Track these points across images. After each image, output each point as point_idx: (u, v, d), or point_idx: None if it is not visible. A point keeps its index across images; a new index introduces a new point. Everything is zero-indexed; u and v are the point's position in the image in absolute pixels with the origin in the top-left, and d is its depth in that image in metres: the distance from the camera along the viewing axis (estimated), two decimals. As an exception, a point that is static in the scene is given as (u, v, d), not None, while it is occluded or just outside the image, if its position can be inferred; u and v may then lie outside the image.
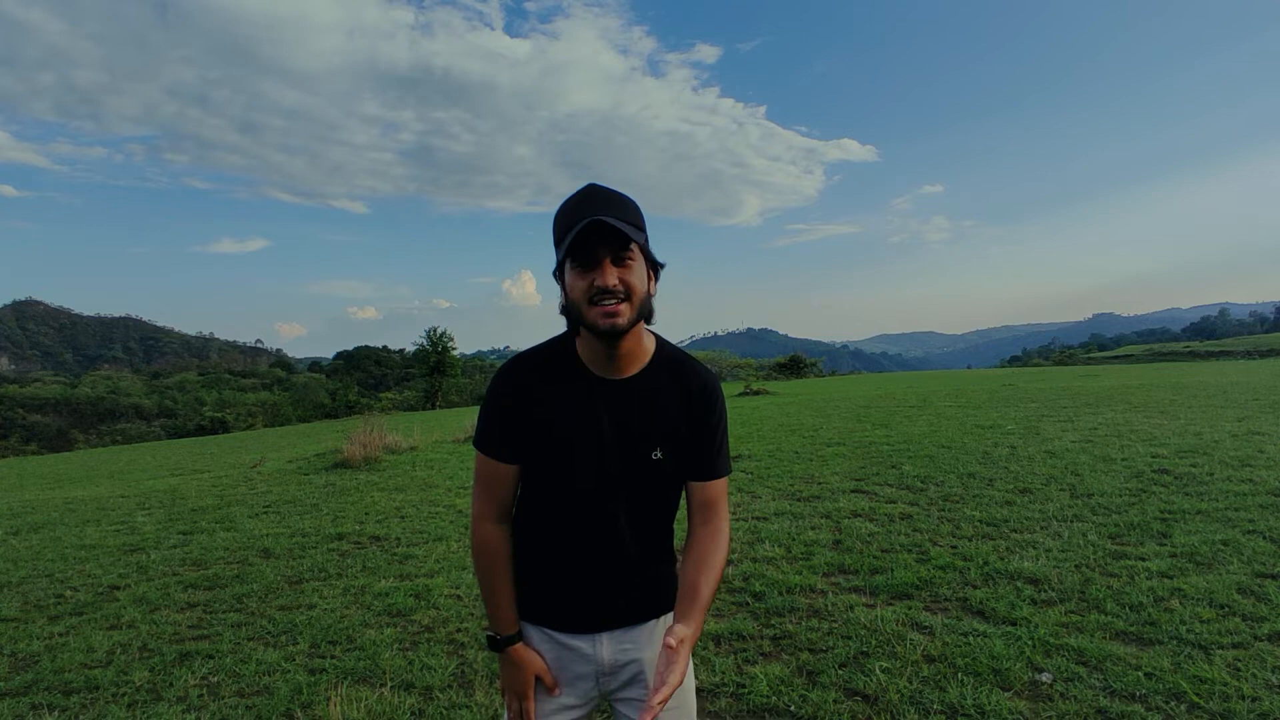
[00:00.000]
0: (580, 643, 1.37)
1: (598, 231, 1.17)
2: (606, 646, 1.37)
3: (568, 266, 1.22)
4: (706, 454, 1.36)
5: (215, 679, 3.13)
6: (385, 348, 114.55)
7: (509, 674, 1.37)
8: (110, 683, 3.14)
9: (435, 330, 41.49)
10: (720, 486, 1.38)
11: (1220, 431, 7.73)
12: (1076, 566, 3.79)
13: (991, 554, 4.08)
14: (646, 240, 1.26)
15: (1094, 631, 3.01)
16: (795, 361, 42.64)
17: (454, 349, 42.67)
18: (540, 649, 1.38)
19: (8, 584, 4.85)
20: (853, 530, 4.77)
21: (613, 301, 1.19)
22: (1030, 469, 6.35)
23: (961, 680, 2.68)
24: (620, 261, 1.20)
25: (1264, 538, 4.05)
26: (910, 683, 2.70)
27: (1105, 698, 2.51)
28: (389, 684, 2.96)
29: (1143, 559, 3.85)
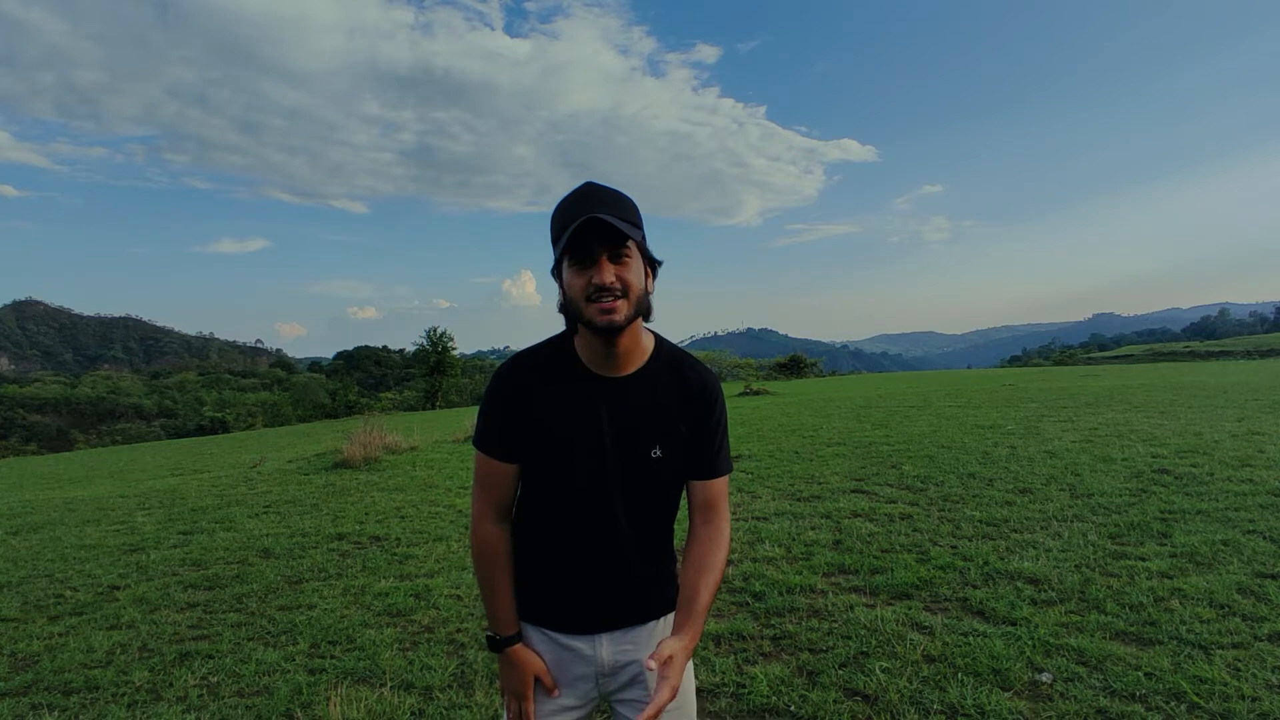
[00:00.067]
0: (580, 644, 1.37)
1: (595, 229, 1.17)
2: (606, 647, 1.37)
3: (565, 264, 1.23)
4: (707, 452, 1.36)
5: (215, 679, 3.13)
6: (385, 348, 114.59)
7: (508, 674, 1.37)
8: (110, 683, 3.14)
9: (435, 330, 41.54)
10: (721, 486, 1.38)
11: (1220, 431, 7.73)
12: (1076, 566, 3.79)
13: (991, 554, 4.08)
14: (644, 237, 1.27)
15: (1094, 631, 3.01)
16: (795, 361, 42.64)
17: (454, 349, 42.69)
18: (540, 650, 1.38)
19: (8, 584, 4.85)
20: (853, 530, 4.77)
21: (610, 298, 1.19)
22: (1030, 469, 6.35)
23: (961, 680, 2.68)
24: (617, 258, 1.20)
25: (1264, 538, 4.05)
26: (910, 683, 2.70)
27: (1105, 698, 2.51)
28: (389, 684, 2.96)
29: (1143, 559, 3.85)
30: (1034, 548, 4.15)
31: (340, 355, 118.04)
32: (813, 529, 4.89)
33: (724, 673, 2.88)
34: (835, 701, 2.62)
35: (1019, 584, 3.60)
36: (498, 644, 1.36)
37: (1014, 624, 3.13)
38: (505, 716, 1.39)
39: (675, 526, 1.47)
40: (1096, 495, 5.26)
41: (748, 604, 3.62)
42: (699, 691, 2.71)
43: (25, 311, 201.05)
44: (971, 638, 3.02)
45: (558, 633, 1.38)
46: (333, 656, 3.29)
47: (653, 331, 1.38)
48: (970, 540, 4.39)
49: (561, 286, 1.26)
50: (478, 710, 2.72)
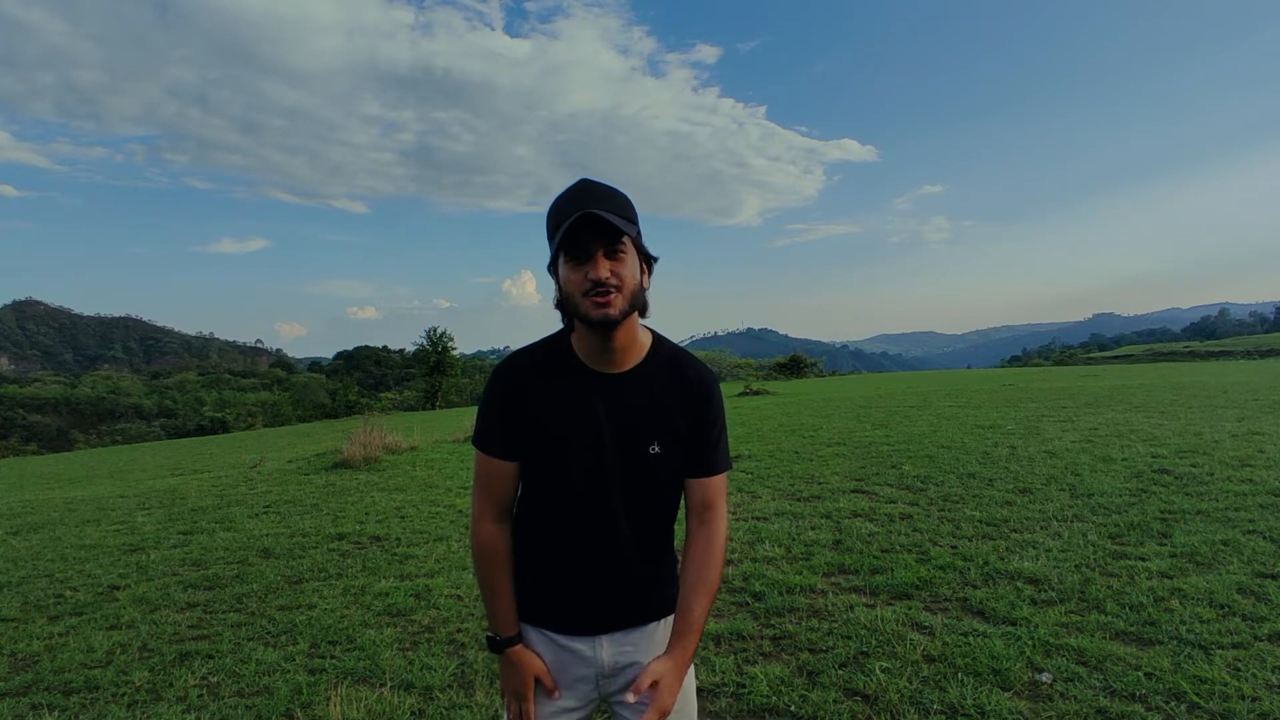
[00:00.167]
0: (580, 645, 1.37)
1: (590, 224, 1.18)
2: (606, 649, 1.37)
3: (561, 260, 1.23)
4: (705, 449, 1.36)
5: (215, 679, 3.13)
6: (385, 348, 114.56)
7: (508, 675, 1.37)
8: (110, 683, 3.14)
9: (435, 330, 41.55)
10: (718, 484, 1.38)
11: (1220, 431, 7.73)
12: (1076, 566, 3.79)
13: (991, 554, 4.08)
14: (639, 233, 1.27)
15: (1094, 631, 3.01)
16: (795, 361, 42.64)
17: (454, 349, 42.69)
18: (540, 651, 1.38)
19: (8, 584, 4.85)
20: (853, 530, 4.77)
21: (605, 293, 1.20)
22: (1030, 469, 6.35)
23: (961, 680, 2.68)
24: (612, 254, 1.21)
25: (1264, 538, 4.05)
26: (910, 683, 2.70)
27: (1105, 698, 2.51)
28: (389, 684, 2.96)
29: (1143, 559, 3.85)
30: (1034, 548, 4.15)
31: (340, 355, 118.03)
32: (813, 529, 4.89)
33: (724, 673, 2.88)
34: (835, 701, 2.62)
35: (1019, 584, 3.60)
36: (498, 645, 1.36)
37: (1014, 624, 3.13)
38: (505, 717, 1.39)
39: (675, 527, 1.47)
40: (1096, 495, 5.26)
41: (748, 604, 3.62)
42: (699, 691, 2.71)
43: (25, 311, 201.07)
44: (971, 638, 3.02)
45: (558, 634, 1.37)
46: (333, 656, 3.29)
47: (650, 329, 1.38)
48: (970, 540, 4.39)
49: (558, 282, 1.27)
50: (478, 710, 2.72)
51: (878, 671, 2.79)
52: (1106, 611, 3.20)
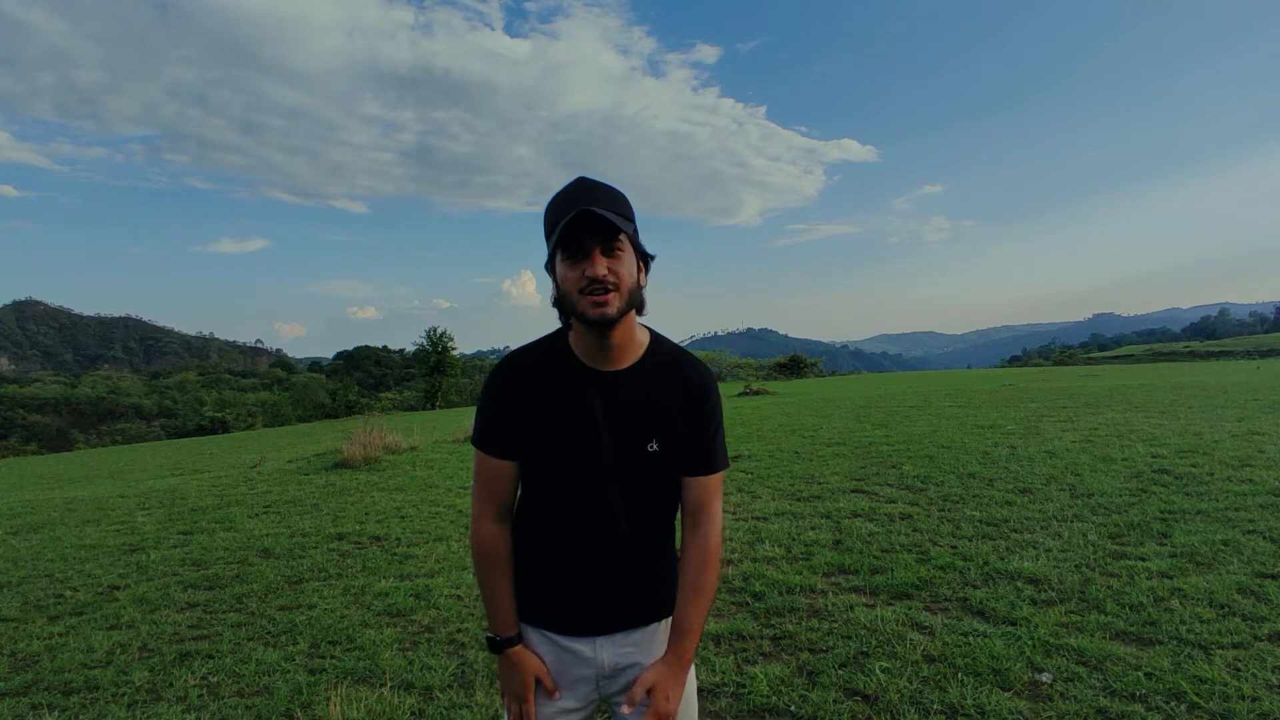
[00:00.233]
0: (580, 645, 1.37)
1: (587, 222, 1.18)
2: (606, 650, 1.37)
3: (558, 258, 1.24)
4: (702, 446, 1.36)
5: (215, 679, 3.12)
6: (385, 348, 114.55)
7: (508, 676, 1.37)
8: (110, 683, 3.14)
9: (435, 330, 41.55)
10: (714, 483, 1.38)
11: (1220, 431, 7.73)
12: (1076, 566, 3.79)
13: (991, 554, 4.08)
14: (636, 231, 1.27)
15: (1094, 631, 3.01)
16: (795, 361, 42.64)
17: (454, 349, 42.69)
18: (540, 651, 1.38)
19: (8, 584, 4.85)
20: (853, 530, 4.77)
21: (603, 291, 1.20)
22: (1030, 469, 6.35)
23: (961, 680, 2.68)
24: (610, 252, 1.21)
25: (1264, 538, 4.05)
26: (910, 683, 2.70)
27: (1105, 698, 2.51)
28: (389, 684, 2.96)
29: (1143, 559, 3.85)
30: (1034, 548, 4.15)
31: (340, 355, 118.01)
32: (813, 529, 4.89)
33: (724, 673, 2.88)
34: (835, 701, 2.62)
35: (1019, 584, 3.60)
36: (498, 645, 1.36)
37: (1014, 624, 3.13)
38: (506, 718, 1.39)
39: (675, 526, 1.47)
40: (1096, 495, 5.26)
41: (748, 604, 3.61)
42: (699, 691, 2.71)
43: (25, 311, 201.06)
44: (971, 638, 3.02)
45: (558, 634, 1.37)
46: (333, 656, 3.29)
47: (648, 327, 1.38)
48: (970, 540, 4.39)
49: (555, 280, 1.27)
50: (478, 710, 2.72)
51: (878, 671, 2.79)
52: (1106, 611, 3.20)
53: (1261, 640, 2.84)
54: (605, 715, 1.49)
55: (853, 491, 5.98)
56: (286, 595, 4.24)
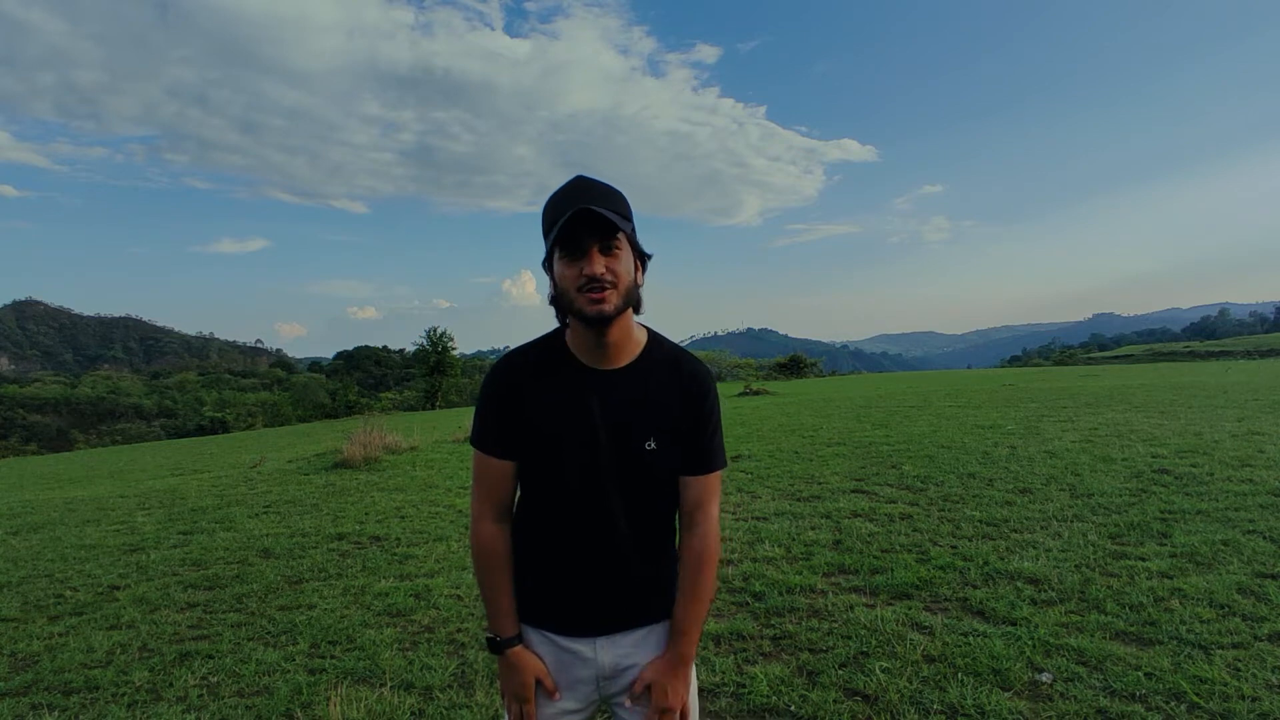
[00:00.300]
0: (581, 646, 1.36)
1: (585, 220, 1.18)
2: (607, 650, 1.37)
3: (556, 256, 1.24)
4: (700, 446, 1.36)
5: (215, 679, 3.12)
6: (385, 348, 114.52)
7: (509, 677, 1.36)
8: (110, 683, 3.14)
9: (435, 330, 41.55)
10: (712, 482, 1.38)
11: (1220, 431, 7.73)
12: (1076, 566, 3.79)
13: (991, 554, 4.08)
14: (634, 230, 1.27)
15: (1094, 631, 3.01)
16: (795, 361, 42.65)
17: (454, 349, 42.69)
18: (540, 652, 1.38)
19: (8, 584, 4.85)
20: (853, 530, 4.77)
21: (600, 289, 1.20)
22: (1030, 469, 6.35)
23: (961, 680, 2.68)
24: (608, 250, 1.21)
25: (1264, 538, 4.05)
26: (910, 683, 2.70)
27: (1105, 698, 2.51)
28: (389, 684, 2.96)
29: (1143, 559, 3.85)
30: (1034, 548, 4.15)
31: (340, 355, 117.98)
32: (813, 529, 4.89)
33: (724, 672, 2.88)
34: (835, 701, 2.62)
35: (1019, 584, 3.60)
36: (498, 646, 1.36)
37: (1014, 624, 3.13)
38: (506, 718, 1.39)
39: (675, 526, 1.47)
40: (1096, 495, 5.26)
41: (748, 604, 3.61)
42: (699, 691, 2.71)
43: (25, 311, 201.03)
44: (971, 638, 3.02)
45: (558, 635, 1.37)
46: (333, 656, 3.29)
47: (645, 326, 1.39)
48: (970, 540, 4.39)
49: (552, 278, 1.27)
50: (478, 710, 2.72)
51: (878, 671, 2.79)
52: (1106, 611, 3.20)
53: (1261, 640, 2.84)
54: (605, 716, 1.48)
55: (853, 491, 5.98)
56: (286, 595, 4.24)
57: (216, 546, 5.54)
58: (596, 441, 1.30)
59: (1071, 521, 4.64)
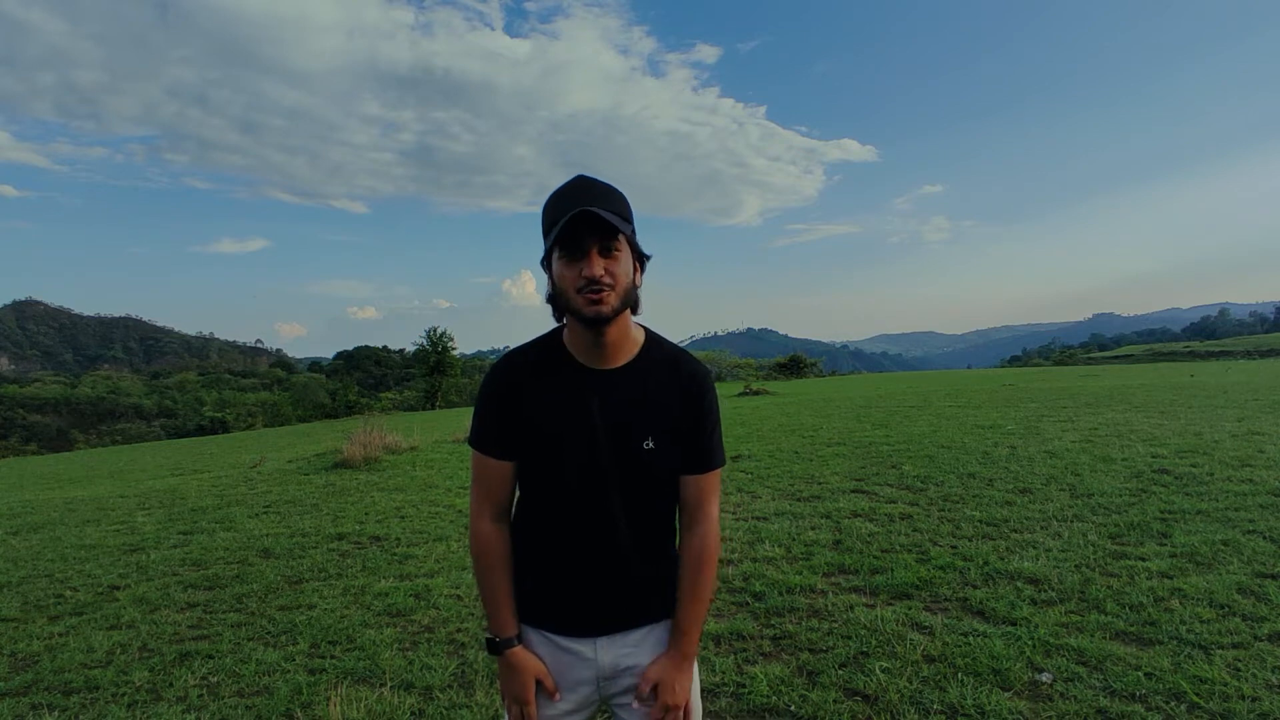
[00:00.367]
0: (581, 646, 1.36)
1: (586, 221, 1.18)
2: (607, 650, 1.37)
3: (555, 256, 1.24)
4: (699, 444, 1.36)
5: (215, 679, 3.12)
6: (385, 348, 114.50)
7: (508, 679, 1.36)
8: (110, 683, 3.14)
9: (435, 330, 41.54)
10: (712, 481, 1.38)
11: (1220, 431, 7.73)
12: (1076, 566, 3.79)
13: (991, 554, 4.08)
14: (634, 231, 1.27)
15: (1094, 631, 3.01)
16: (795, 361, 42.66)
17: (454, 349, 42.68)
18: (540, 652, 1.38)
19: (8, 584, 4.85)
20: (853, 530, 4.77)
21: (599, 291, 1.20)
22: (1030, 469, 6.35)
23: (961, 680, 2.68)
24: (607, 252, 1.21)
25: (1264, 538, 4.05)
26: (910, 683, 2.70)
27: (1105, 698, 2.51)
28: (389, 684, 2.96)
29: (1143, 559, 3.85)
30: (1034, 548, 4.15)
31: (340, 355, 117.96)
32: (813, 529, 4.89)
33: (724, 672, 2.89)
34: (835, 701, 2.62)
35: (1019, 584, 3.60)
36: (496, 646, 1.36)
37: (1014, 624, 3.13)
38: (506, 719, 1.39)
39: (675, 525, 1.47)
40: (1096, 495, 5.26)
41: (748, 604, 3.61)
42: (700, 690, 2.71)
43: (25, 311, 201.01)
44: (971, 638, 3.02)
45: (558, 635, 1.37)
46: (333, 656, 3.29)
47: (643, 326, 1.39)
48: (970, 540, 4.39)
49: (551, 277, 1.27)
50: (478, 710, 2.72)
51: (878, 671, 2.79)
52: (1106, 611, 3.20)
53: (1261, 640, 2.84)
54: (605, 716, 1.48)
55: (853, 491, 5.98)
56: (286, 595, 4.24)
57: (216, 546, 5.54)
58: (596, 441, 1.30)
59: (1071, 521, 4.64)
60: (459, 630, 3.52)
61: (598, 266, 1.20)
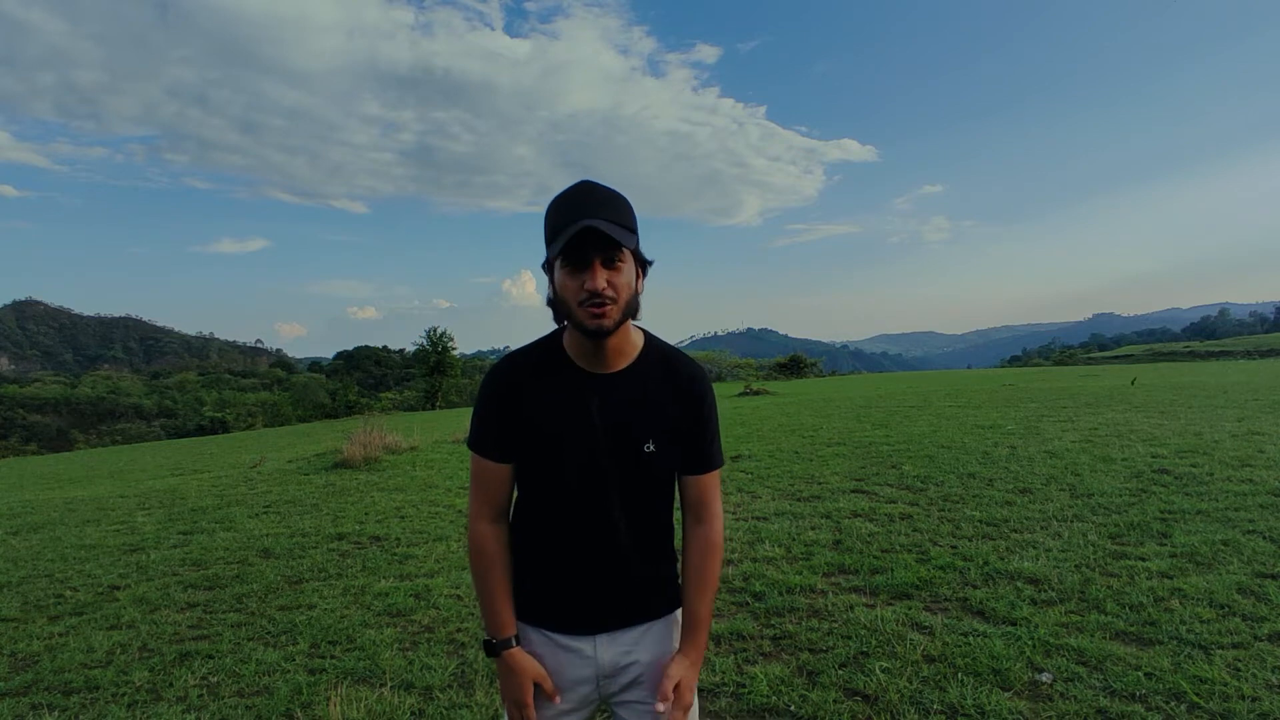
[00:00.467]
0: (580, 644, 1.36)
1: (590, 234, 1.18)
2: (606, 648, 1.37)
3: (558, 265, 1.23)
4: (699, 446, 1.37)
5: (215, 679, 3.13)
6: (385, 348, 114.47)
7: (507, 681, 1.36)
8: (110, 683, 3.14)
9: (435, 330, 41.53)
10: (712, 480, 1.39)
11: (1220, 431, 7.73)
12: (1076, 566, 3.79)
13: (991, 554, 4.08)
14: (638, 241, 1.27)
15: (1094, 631, 3.01)
16: (795, 361, 42.66)
17: (454, 349, 42.68)
18: (539, 652, 1.38)
19: (8, 584, 4.85)
20: (853, 530, 4.77)
21: (601, 304, 1.20)
22: (1030, 469, 6.35)
23: (961, 680, 2.68)
24: (610, 263, 1.21)
25: (1264, 538, 4.05)
26: (910, 683, 2.70)
27: (1105, 698, 2.51)
28: (389, 684, 2.96)
29: (1143, 559, 3.85)
30: (1034, 548, 4.15)
31: (340, 355, 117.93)
32: (813, 529, 4.89)
33: (724, 672, 2.88)
34: (835, 701, 2.62)
35: (1019, 584, 3.60)
36: (494, 648, 1.35)
37: (1014, 624, 3.13)
38: (505, 720, 1.38)
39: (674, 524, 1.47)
40: (1096, 495, 5.26)
41: (748, 604, 3.62)
42: (700, 691, 2.71)
43: (25, 311, 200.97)
44: (971, 638, 3.02)
45: (557, 633, 1.37)
46: (333, 656, 3.29)
47: (642, 329, 1.39)
48: (970, 540, 4.39)
49: (552, 282, 1.27)
50: (478, 710, 2.72)
51: (878, 671, 2.79)
52: (1106, 611, 3.20)
53: (1261, 640, 2.84)
54: (605, 715, 1.48)
55: (853, 491, 5.98)
56: (286, 595, 4.24)
57: (216, 546, 5.54)
58: (596, 441, 1.30)
59: (1071, 521, 4.64)
60: (459, 630, 3.52)
61: (600, 279, 1.19)
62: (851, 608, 3.45)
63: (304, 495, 7.66)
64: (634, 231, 1.26)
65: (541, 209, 1.29)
